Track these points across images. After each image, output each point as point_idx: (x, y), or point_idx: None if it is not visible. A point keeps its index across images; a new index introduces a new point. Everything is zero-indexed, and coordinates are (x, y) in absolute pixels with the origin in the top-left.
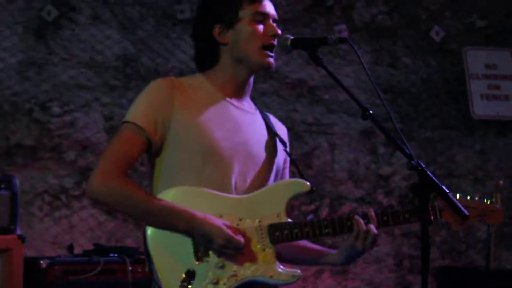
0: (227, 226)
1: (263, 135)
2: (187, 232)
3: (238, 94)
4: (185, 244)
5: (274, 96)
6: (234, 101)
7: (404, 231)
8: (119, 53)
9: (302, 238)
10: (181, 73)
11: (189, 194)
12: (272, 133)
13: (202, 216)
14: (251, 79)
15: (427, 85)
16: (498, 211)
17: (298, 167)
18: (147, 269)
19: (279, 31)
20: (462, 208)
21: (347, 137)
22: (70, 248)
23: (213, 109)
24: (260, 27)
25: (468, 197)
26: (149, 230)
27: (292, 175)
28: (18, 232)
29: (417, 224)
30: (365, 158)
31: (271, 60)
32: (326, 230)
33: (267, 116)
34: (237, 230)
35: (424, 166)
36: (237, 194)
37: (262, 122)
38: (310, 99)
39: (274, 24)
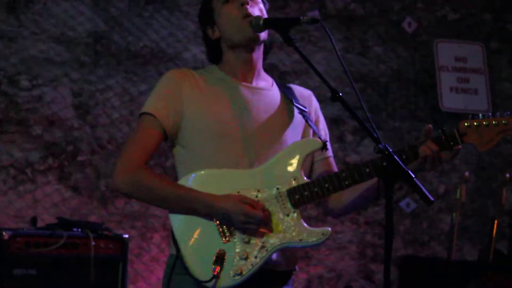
0: (245, 201)
1: (277, 109)
2: (208, 215)
3: (247, 75)
4: (210, 226)
5: None
6: (244, 82)
7: (368, 220)
8: (91, 29)
9: (323, 195)
10: (151, 53)
11: (206, 177)
12: (289, 104)
13: (220, 197)
14: (256, 56)
15: (397, 76)
16: None
17: (313, 127)
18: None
19: (251, 2)
20: (427, 194)
21: None
22: (33, 220)
23: (221, 93)
24: (229, 5)
25: (487, 115)
26: (173, 217)
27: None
28: None
29: (382, 213)
30: (332, 145)
31: (246, 27)
32: (346, 182)
33: (288, 88)
34: (255, 203)
35: (391, 150)
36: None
37: (278, 96)
38: None
39: None
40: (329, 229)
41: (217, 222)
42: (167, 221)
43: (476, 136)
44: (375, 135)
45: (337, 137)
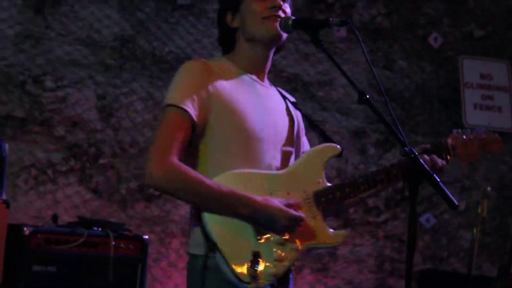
0: (288, 205)
1: (283, 109)
2: (250, 217)
3: (260, 71)
4: (246, 225)
5: None
6: (257, 79)
7: (387, 233)
8: (117, 33)
9: (344, 199)
10: (177, 58)
11: (239, 176)
12: (287, 104)
13: (262, 200)
14: (270, 54)
15: (420, 91)
16: (498, 141)
17: (324, 132)
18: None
19: (281, 2)
20: (452, 198)
21: (338, 135)
22: (54, 218)
23: (244, 90)
24: (261, 2)
25: (469, 130)
26: (208, 216)
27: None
28: (4, 196)
29: (402, 227)
30: (354, 157)
31: (277, 30)
32: (363, 187)
33: (278, 89)
34: (297, 205)
35: (416, 153)
36: (274, 170)
37: (278, 95)
38: (303, 95)
39: None
40: (348, 231)
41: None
42: (186, 226)
43: (463, 150)
44: (401, 138)
45: (359, 150)
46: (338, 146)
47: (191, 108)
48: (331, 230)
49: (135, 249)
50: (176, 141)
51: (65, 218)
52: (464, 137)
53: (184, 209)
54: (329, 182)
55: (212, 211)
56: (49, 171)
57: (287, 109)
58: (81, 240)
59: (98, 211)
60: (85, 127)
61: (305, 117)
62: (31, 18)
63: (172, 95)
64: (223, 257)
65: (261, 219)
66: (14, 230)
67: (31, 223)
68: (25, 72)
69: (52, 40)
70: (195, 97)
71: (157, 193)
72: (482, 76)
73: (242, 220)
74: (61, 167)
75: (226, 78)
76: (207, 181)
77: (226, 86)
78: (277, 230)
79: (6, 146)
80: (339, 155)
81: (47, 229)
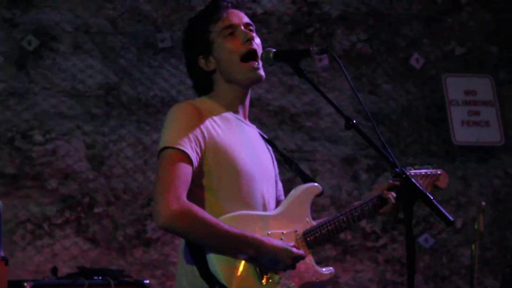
0: (291, 245)
1: (264, 147)
2: (254, 257)
3: (242, 108)
4: (249, 266)
5: (256, 123)
6: (242, 117)
7: (387, 258)
8: (101, 81)
9: (329, 237)
10: (162, 101)
11: (241, 219)
12: (265, 142)
13: (267, 240)
14: (249, 91)
15: (407, 112)
16: (443, 174)
17: (303, 171)
18: None
19: (253, 33)
20: (447, 214)
21: (329, 164)
22: (54, 271)
23: (234, 131)
24: (233, 39)
25: (416, 166)
26: (216, 257)
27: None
28: (1, 254)
29: (401, 250)
30: (347, 184)
31: (258, 72)
32: (344, 225)
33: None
34: (296, 244)
35: (407, 173)
36: (267, 209)
37: (257, 133)
38: (292, 127)
39: (250, 29)
40: (331, 268)
41: (255, 263)
42: None
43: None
44: (391, 159)
45: (351, 176)
46: (320, 186)
47: (189, 150)
48: (319, 268)
49: None
50: (182, 180)
51: (65, 270)
52: (418, 173)
53: None
54: (323, 211)
55: (218, 251)
56: (45, 225)
57: (267, 147)
58: None
59: (97, 260)
60: (77, 178)
61: (281, 153)
62: (14, 75)
63: (168, 138)
64: None
65: (265, 259)
66: (14, 286)
67: (31, 279)
68: (12, 128)
69: (37, 95)
70: (192, 138)
71: (154, 237)
72: (467, 93)
73: (246, 260)
74: (57, 220)
75: (215, 119)
76: (220, 221)
77: (217, 128)
78: (281, 269)
79: (1, 203)
80: (320, 195)
81: (47, 283)
